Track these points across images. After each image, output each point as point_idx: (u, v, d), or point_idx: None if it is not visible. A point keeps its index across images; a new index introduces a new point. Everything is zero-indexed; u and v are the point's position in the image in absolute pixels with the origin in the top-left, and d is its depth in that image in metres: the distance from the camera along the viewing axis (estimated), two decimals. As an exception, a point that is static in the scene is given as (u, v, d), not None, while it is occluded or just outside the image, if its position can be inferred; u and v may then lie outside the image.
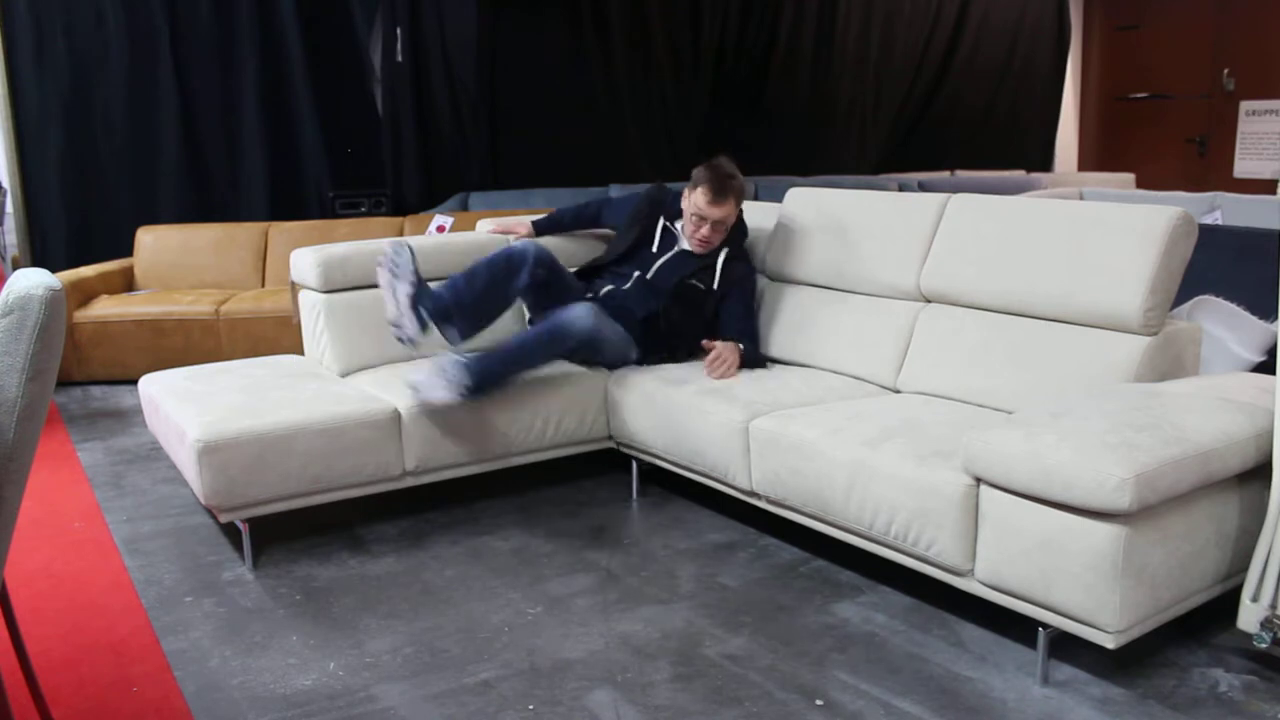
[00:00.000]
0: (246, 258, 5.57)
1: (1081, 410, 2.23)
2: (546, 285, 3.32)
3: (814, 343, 3.32)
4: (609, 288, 3.43)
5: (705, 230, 3.33)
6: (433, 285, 3.17)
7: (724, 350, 3.20)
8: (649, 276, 3.41)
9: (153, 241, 5.56)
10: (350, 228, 5.61)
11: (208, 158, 6.00)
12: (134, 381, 4.82)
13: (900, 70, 8.73)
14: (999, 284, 2.84)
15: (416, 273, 3.07)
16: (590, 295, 3.42)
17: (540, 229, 3.75)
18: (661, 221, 3.51)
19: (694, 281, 3.34)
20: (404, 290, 3.04)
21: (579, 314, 3.13)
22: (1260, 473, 2.26)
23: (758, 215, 3.70)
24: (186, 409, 2.91)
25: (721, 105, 7.85)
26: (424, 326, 3.09)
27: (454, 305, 3.14)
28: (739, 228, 3.45)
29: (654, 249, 3.47)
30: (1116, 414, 2.18)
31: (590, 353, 3.28)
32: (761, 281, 3.64)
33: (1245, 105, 8.40)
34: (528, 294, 3.33)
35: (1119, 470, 1.97)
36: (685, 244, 3.42)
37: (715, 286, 3.35)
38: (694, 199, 3.32)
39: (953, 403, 2.84)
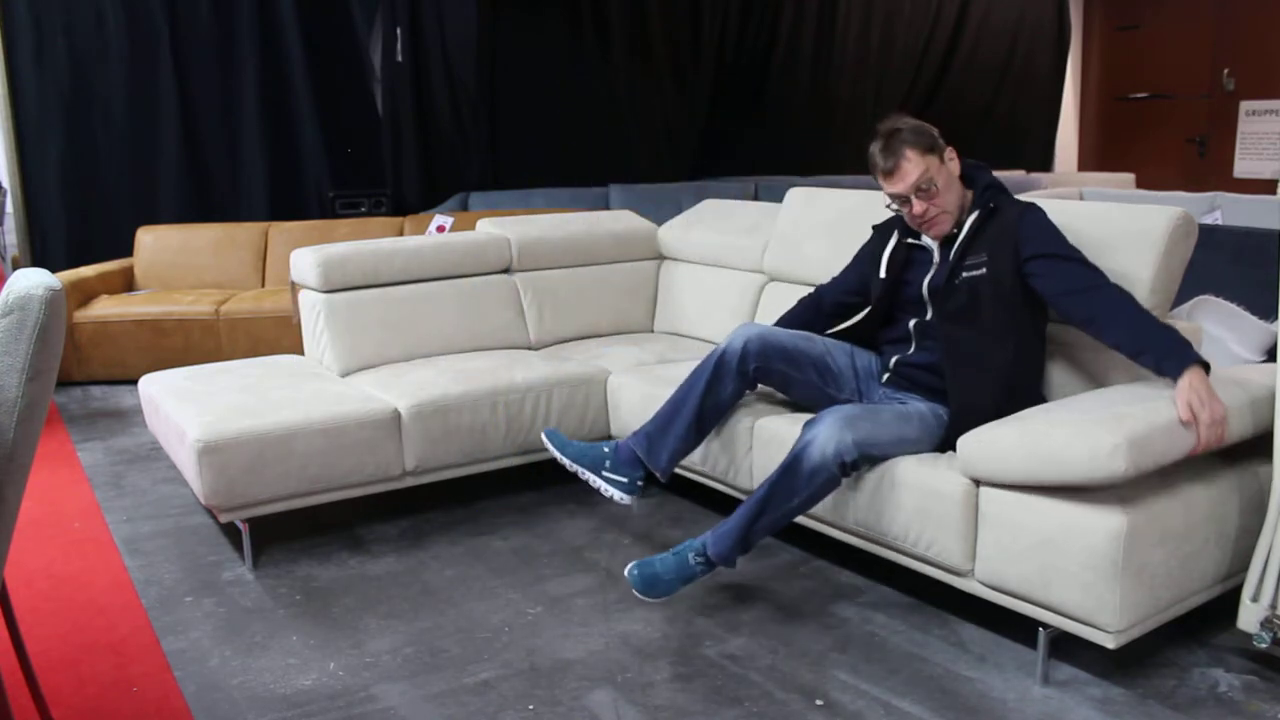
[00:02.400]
0: (246, 258, 5.57)
1: (1072, 404, 2.25)
2: (784, 381, 2.69)
3: (814, 343, 3.31)
4: (896, 357, 2.66)
5: (917, 208, 2.51)
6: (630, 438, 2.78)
7: (1192, 399, 2.10)
8: (929, 317, 2.57)
9: (153, 241, 5.55)
10: (350, 228, 5.61)
11: (208, 158, 6.00)
12: (134, 381, 4.81)
13: (900, 70, 8.73)
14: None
15: (591, 458, 2.74)
16: (883, 374, 2.67)
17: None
18: (894, 238, 2.67)
19: (959, 283, 2.47)
20: (605, 486, 2.73)
21: (815, 436, 2.37)
22: (1260, 460, 2.27)
23: (757, 215, 3.70)
24: (186, 409, 2.91)
25: (721, 105, 7.85)
26: (635, 488, 2.74)
27: (666, 462, 2.71)
28: (971, 177, 2.57)
29: (908, 276, 2.63)
30: (1107, 402, 2.20)
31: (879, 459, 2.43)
32: (759, 280, 3.63)
33: (1245, 105, 8.40)
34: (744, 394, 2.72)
35: (1110, 437, 1.99)
36: (927, 241, 2.60)
37: (987, 268, 2.42)
38: (882, 185, 2.58)
39: (953, 403, 2.83)
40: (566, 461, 2.79)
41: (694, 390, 2.71)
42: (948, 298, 2.50)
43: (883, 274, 2.67)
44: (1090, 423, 2.06)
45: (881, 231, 2.74)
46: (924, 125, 2.53)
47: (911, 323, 2.62)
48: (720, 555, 2.43)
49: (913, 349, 2.62)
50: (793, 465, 2.38)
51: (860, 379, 2.71)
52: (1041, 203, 2.59)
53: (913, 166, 2.48)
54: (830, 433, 2.35)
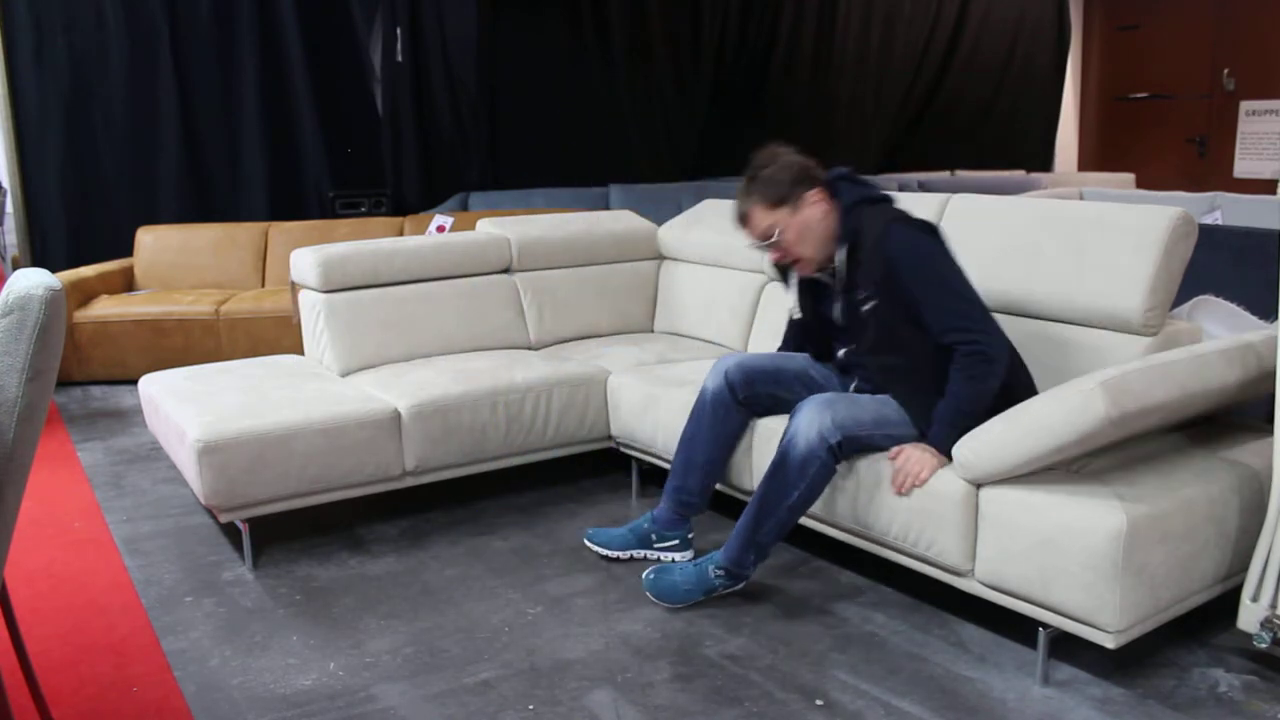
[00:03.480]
0: (246, 258, 5.57)
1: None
2: (775, 402, 2.69)
3: (814, 343, 3.31)
4: (852, 385, 2.66)
5: (772, 255, 2.56)
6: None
7: (904, 458, 2.34)
8: (855, 348, 2.60)
9: (153, 241, 5.55)
10: (350, 228, 5.61)
11: (208, 158, 6.00)
12: (134, 381, 4.82)
13: (900, 70, 8.73)
14: (998, 284, 2.83)
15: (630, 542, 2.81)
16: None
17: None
18: (791, 275, 2.70)
19: (863, 315, 2.46)
20: (664, 555, 2.80)
21: (797, 427, 2.40)
22: (1260, 460, 2.27)
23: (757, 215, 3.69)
24: (186, 409, 2.91)
25: (721, 105, 7.85)
26: (689, 544, 2.81)
27: (701, 500, 2.78)
28: (840, 199, 2.50)
29: (821, 309, 2.66)
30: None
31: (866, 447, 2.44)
32: (758, 280, 3.63)
33: (1245, 105, 8.40)
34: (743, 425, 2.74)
35: (1084, 384, 2.07)
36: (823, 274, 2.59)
37: (877, 299, 2.41)
38: None
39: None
40: (619, 554, 2.84)
41: (699, 435, 2.74)
42: (860, 331, 2.49)
43: (798, 314, 2.73)
44: (1070, 391, 2.11)
45: (784, 267, 2.69)
46: (779, 174, 2.49)
47: (841, 353, 2.65)
48: (732, 562, 2.49)
49: (854, 379, 2.65)
50: (782, 462, 2.40)
51: (845, 384, 2.71)
52: (1042, 202, 2.59)
53: (758, 220, 2.51)
54: (810, 419, 2.37)
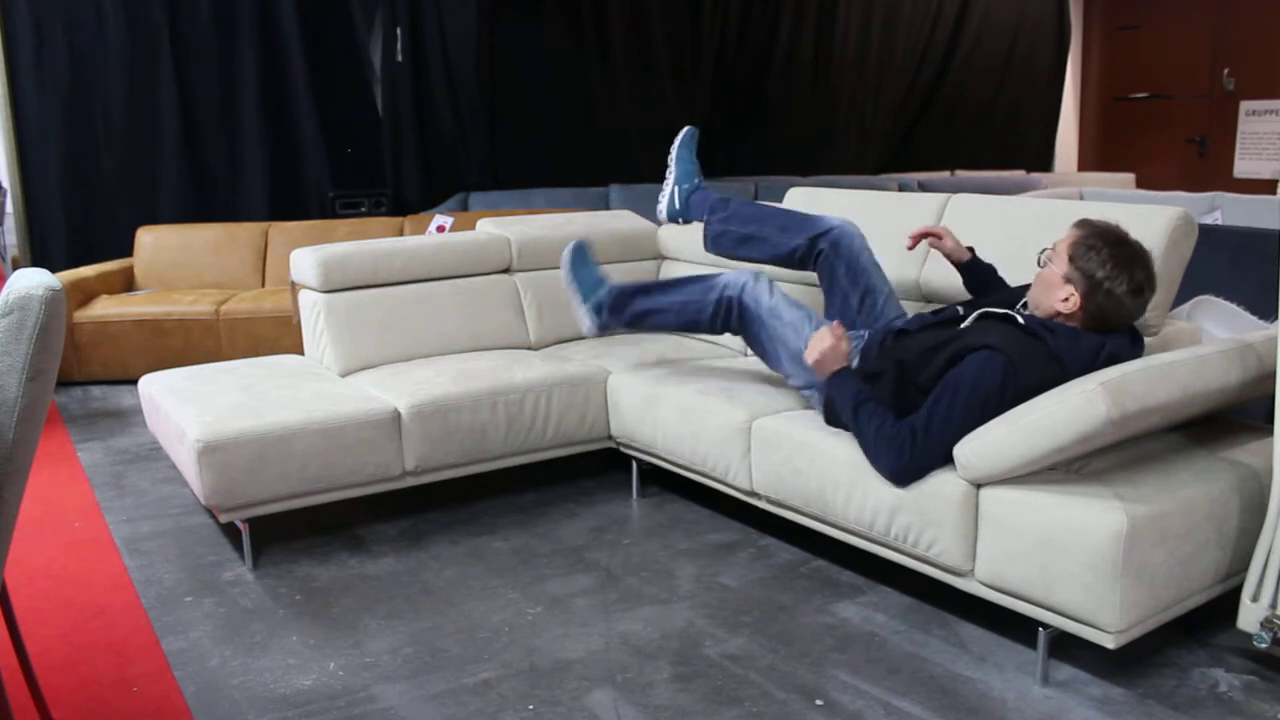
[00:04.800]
0: (246, 258, 5.57)
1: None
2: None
3: (814, 343, 3.31)
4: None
5: (1044, 259, 2.54)
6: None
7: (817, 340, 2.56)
8: None
9: (153, 241, 5.55)
10: (350, 228, 5.61)
11: (208, 158, 6.00)
12: (134, 381, 4.83)
13: (900, 70, 8.74)
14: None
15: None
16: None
17: None
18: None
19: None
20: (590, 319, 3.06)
21: (741, 281, 2.84)
22: (1260, 460, 2.27)
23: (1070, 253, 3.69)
24: (186, 409, 2.91)
25: (721, 105, 7.85)
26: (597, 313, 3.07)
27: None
28: None
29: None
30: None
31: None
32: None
33: (1245, 105, 8.40)
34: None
35: (1085, 386, 2.07)
36: None
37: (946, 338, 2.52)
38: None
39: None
40: (565, 275, 3.09)
41: (688, 313, 2.95)
42: (915, 340, 2.61)
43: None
44: (1072, 393, 2.11)
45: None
46: (1117, 267, 2.32)
47: (897, 323, 2.80)
48: (609, 295, 3.00)
49: (864, 338, 2.83)
50: (705, 285, 2.88)
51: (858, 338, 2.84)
52: (1042, 202, 2.58)
53: (1065, 251, 2.40)
54: (749, 282, 2.81)
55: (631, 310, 3.00)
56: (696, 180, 3.12)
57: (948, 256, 2.80)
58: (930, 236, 2.77)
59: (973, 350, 2.31)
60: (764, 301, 2.80)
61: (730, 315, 2.85)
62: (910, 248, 2.79)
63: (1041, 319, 2.38)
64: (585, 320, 3.05)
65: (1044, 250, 2.44)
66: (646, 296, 2.99)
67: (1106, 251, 2.31)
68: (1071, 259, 2.34)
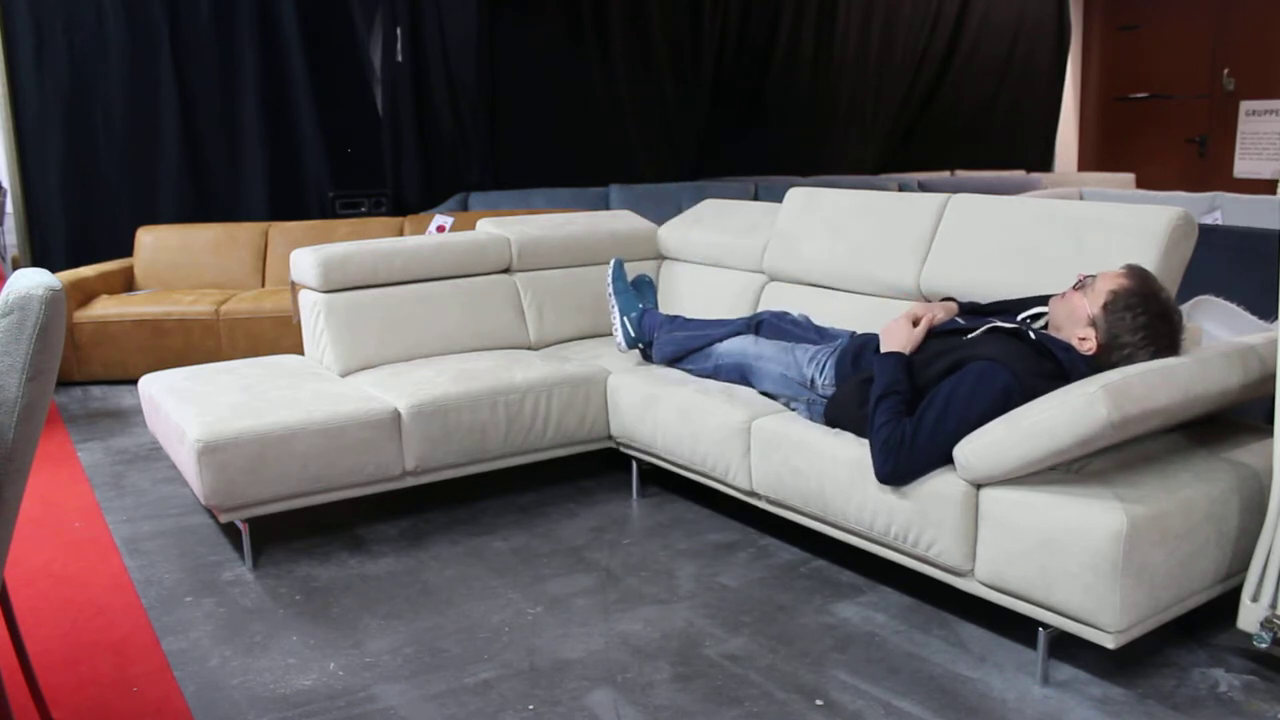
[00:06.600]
0: (246, 258, 5.57)
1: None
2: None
3: (814, 343, 3.31)
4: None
5: (1074, 286, 2.49)
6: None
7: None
8: None
9: (153, 241, 5.55)
10: (350, 228, 5.61)
11: (208, 158, 6.00)
12: (134, 381, 4.83)
13: (900, 70, 8.74)
14: (999, 284, 2.84)
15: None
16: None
17: None
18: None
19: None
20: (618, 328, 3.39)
21: (742, 347, 3.09)
22: (1260, 460, 2.27)
23: (757, 215, 3.70)
24: (186, 409, 2.91)
25: (721, 104, 7.85)
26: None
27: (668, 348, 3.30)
28: None
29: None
30: None
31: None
32: (758, 280, 3.64)
33: (1245, 105, 8.40)
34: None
35: (1086, 388, 2.06)
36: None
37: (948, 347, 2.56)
38: None
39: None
40: (610, 291, 3.40)
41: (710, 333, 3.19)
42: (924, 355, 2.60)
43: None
44: (1073, 394, 2.10)
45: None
46: (1140, 316, 2.29)
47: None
48: (643, 330, 3.34)
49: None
50: (713, 349, 3.12)
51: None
52: (1042, 202, 2.58)
53: (1104, 286, 2.36)
54: (748, 348, 3.03)
55: (659, 352, 3.32)
56: (640, 305, 3.39)
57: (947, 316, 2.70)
58: (921, 319, 2.58)
59: (974, 360, 2.31)
60: (750, 351, 3.02)
61: (728, 376, 3.09)
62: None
63: (1055, 337, 2.37)
64: (618, 334, 3.38)
65: (1086, 277, 2.37)
66: (666, 343, 3.30)
67: (1144, 319, 2.25)
68: (1106, 306, 2.28)
